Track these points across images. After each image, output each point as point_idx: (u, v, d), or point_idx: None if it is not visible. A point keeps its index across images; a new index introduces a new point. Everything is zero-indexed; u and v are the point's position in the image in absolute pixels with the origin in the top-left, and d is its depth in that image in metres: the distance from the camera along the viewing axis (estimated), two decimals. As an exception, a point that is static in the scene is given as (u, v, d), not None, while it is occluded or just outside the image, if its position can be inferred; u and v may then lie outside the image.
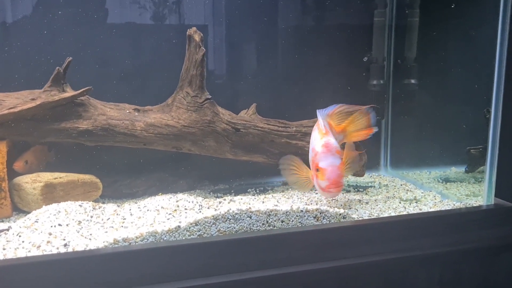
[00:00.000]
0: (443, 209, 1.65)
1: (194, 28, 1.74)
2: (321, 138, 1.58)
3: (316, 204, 1.68)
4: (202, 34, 1.74)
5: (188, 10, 1.99)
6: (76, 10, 1.83)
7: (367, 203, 1.72)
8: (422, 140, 2.19)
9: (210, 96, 1.76)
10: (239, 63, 2.09)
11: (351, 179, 2.07)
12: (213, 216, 1.40)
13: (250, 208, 1.44)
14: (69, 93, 1.67)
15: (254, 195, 1.87)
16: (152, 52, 1.95)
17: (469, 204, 1.68)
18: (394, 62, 2.09)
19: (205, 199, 1.75)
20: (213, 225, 1.40)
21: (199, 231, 1.38)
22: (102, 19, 1.87)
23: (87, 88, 1.67)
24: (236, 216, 1.42)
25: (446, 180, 2.02)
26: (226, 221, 1.41)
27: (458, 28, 1.95)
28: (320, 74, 2.11)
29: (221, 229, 1.40)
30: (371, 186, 1.98)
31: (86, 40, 1.84)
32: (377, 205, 1.69)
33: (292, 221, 1.46)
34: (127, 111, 1.75)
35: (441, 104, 2.08)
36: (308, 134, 1.84)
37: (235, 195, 1.86)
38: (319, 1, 2.12)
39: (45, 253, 1.27)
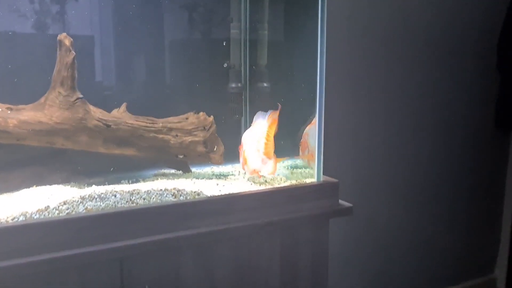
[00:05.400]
0: (282, 185, 2.01)
1: (64, 34, 1.93)
2: None
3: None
4: (72, 39, 1.93)
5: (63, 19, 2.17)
6: None
7: (223, 186, 2.02)
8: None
9: (81, 96, 1.95)
10: (115, 71, 2.31)
11: (216, 169, 2.37)
12: (80, 196, 1.60)
13: (114, 188, 1.66)
14: None
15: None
16: (26, 56, 2.10)
17: (304, 181, 2.06)
18: (250, 68, 2.45)
19: (79, 189, 1.92)
20: (81, 204, 1.60)
21: (67, 209, 1.57)
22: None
23: (-42, 87, 1.78)
24: (102, 195, 1.63)
25: (295, 167, 2.40)
26: (92, 200, 1.62)
27: (300, 39, 2.36)
28: (187, 79, 2.41)
29: (88, 207, 1.60)
30: (232, 175, 2.30)
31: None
32: (231, 186, 1.99)
33: (153, 198, 1.71)
34: (0, 110, 1.88)
35: (290, 104, 2.46)
36: (173, 129, 2.11)
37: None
38: (189, 18, 2.43)
39: None
